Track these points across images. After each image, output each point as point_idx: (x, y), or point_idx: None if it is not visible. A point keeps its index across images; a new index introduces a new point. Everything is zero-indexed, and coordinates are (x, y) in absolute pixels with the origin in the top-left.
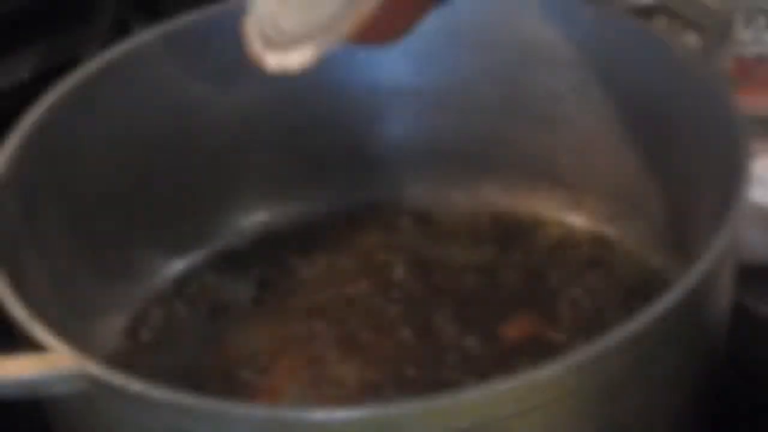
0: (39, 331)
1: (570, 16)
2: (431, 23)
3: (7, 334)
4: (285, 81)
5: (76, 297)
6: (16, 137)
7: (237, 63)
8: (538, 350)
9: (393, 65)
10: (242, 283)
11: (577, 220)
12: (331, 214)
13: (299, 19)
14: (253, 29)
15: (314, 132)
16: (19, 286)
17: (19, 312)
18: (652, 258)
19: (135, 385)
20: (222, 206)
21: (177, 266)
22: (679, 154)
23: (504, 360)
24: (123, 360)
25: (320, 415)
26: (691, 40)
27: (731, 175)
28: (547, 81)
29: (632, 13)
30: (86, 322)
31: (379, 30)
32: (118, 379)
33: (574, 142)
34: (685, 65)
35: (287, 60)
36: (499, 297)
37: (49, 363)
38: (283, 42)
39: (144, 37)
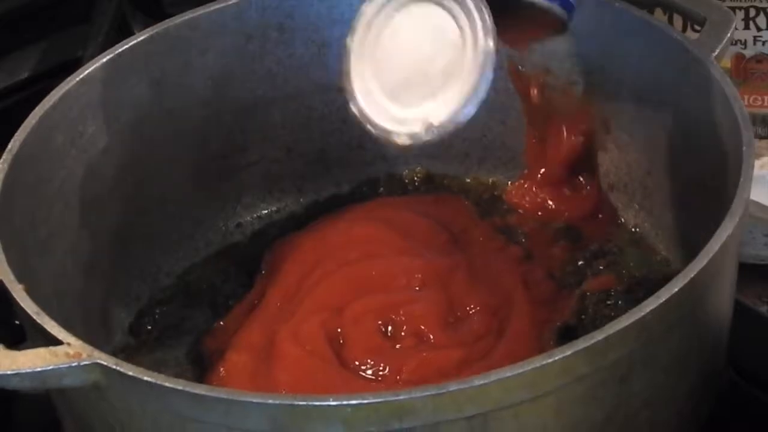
0: (51, 324)
1: None
2: None
3: (10, 334)
4: (284, 78)
5: (81, 295)
6: (19, 137)
7: (236, 61)
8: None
9: None
10: (243, 276)
11: None
12: (330, 208)
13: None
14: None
15: (313, 128)
16: (28, 285)
17: (31, 306)
18: (658, 248)
19: (147, 375)
20: (222, 202)
21: (179, 262)
22: (682, 147)
23: None
24: (128, 355)
25: (333, 401)
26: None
27: (734, 168)
28: None
29: (633, 5)
30: (91, 319)
31: None
32: (130, 369)
33: None
34: (687, 58)
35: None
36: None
37: (60, 355)
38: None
39: (144, 36)
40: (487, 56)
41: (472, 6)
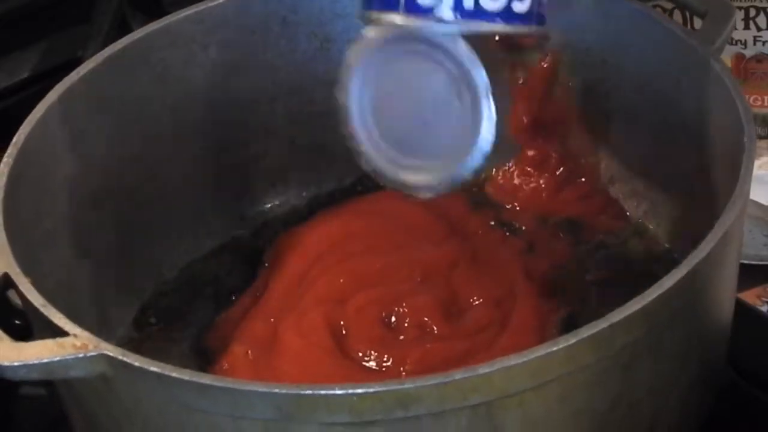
0: (57, 315)
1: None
2: None
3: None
4: (286, 73)
5: (84, 288)
6: (24, 130)
7: (239, 55)
8: None
9: None
10: (246, 270)
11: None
12: (332, 202)
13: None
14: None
15: (316, 122)
16: (33, 278)
17: (37, 299)
18: (661, 241)
19: (154, 366)
20: (225, 196)
21: (182, 256)
22: (684, 139)
23: None
24: (131, 349)
25: (339, 390)
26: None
27: (736, 159)
28: None
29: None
30: (94, 312)
31: None
32: (137, 360)
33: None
34: (688, 51)
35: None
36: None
37: (67, 346)
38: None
39: (146, 30)
40: (484, 101)
41: (461, 56)
